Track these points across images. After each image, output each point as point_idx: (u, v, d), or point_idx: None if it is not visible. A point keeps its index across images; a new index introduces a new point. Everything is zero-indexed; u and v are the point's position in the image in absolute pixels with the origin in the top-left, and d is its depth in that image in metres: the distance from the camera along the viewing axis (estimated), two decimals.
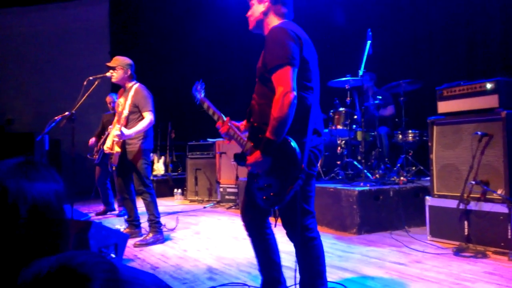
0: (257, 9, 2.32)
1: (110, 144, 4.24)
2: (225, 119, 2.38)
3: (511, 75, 4.24)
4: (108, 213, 6.27)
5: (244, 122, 2.46)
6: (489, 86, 3.66)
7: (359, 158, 5.38)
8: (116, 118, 4.42)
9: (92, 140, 6.19)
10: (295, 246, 2.30)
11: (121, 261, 3.54)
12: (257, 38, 8.19)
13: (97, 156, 6.14)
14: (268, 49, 2.10)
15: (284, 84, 1.98)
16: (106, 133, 5.93)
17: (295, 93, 1.99)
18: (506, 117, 3.49)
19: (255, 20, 2.34)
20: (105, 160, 6.17)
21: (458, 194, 3.67)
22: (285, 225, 2.30)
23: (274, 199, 2.09)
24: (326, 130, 5.60)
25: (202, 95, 2.58)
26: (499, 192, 3.48)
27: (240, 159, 2.24)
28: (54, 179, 1.01)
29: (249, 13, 2.38)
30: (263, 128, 2.09)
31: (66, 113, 4.38)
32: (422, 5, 6.00)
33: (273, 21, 2.28)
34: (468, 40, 5.42)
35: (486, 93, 3.68)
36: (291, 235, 2.29)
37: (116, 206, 6.33)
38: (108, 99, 6.26)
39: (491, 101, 3.65)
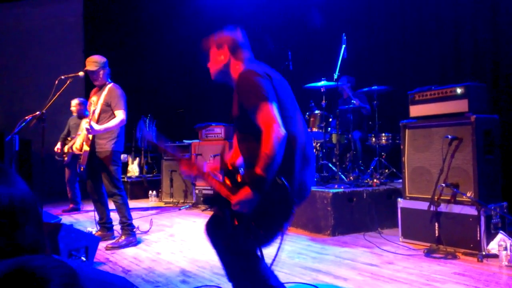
0: (217, 60, 2.27)
1: (80, 144, 4.15)
2: (188, 159, 2.30)
3: (481, 80, 4.37)
4: (75, 212, 6.20)
5: (215, 161, 2.37)
6: (459, 91, 3.75)
7: (334, 160, 5.43)
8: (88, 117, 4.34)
9: (58, 146, 6.08)
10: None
11: (91, 264, 3.46)
12: None
13: (66, 158, 6.04)
14: (243, 94, 2.05)
15: (269, 119, 1.93)
16: (73, 136, 5.84)
17: (281, 126, 1.92)
18: (475, 121, 3.58)
19: (217, 71, 2.28)
20: (75, 161, 6.07)
21: (429, 196, 3.74)
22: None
23: (260, 239, 2.02)
24: None
25: (153, 137, 2.40)
26: (468, 194, 3.57)
27: (213, 201, 2.14)
28: (15, 183, 0.98)
29: (209, 64, 2.32)
30: (248, 165, 2.03)
31: (37, 112, 4.26)
32: (395, 11, 6.11)
33: (238, 67, 2.22)
34: (439, 45, 5.55)
35: (456, 98, 3.77)
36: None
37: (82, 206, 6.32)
38: (74, 106, 6.18)
39: (461, 106, 3.74)
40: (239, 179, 2.05)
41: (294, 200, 1.98)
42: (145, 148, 2.45)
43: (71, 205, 6.36)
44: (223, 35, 2.31)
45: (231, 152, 2.36)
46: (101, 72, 4.25)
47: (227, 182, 2.08)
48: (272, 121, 1.92)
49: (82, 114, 6.22)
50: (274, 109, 1.96)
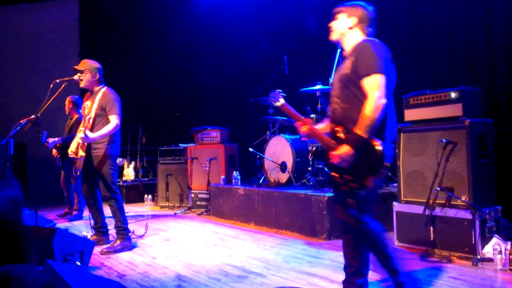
0: (343, 23, 2.54)
1: (75, 148, 4.13)
2: (306, 120, 2.61)
3: (475, 85, 4.39)
4: (68, 216, 6.13)
5: (325, 124, 2.68)
6: (453, 95, 3.77)
7: None
8: (82, 121, 4.32)
9: (55, 150, 6.06)
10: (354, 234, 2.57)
11: (86, 269, 3.45)
12: (230, 43, 8.12)
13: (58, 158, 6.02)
14: (363, 58, 2.36)
15: (378, 89, 2.28)
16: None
17: (385, 98, 2.29)
18: (470, 125, 3.60)
19: (340, 32, 2.56)
20: (67, 162, 6.03)
21: (424, 200, 3.75)
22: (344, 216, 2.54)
23: (353, 191, 2.32)
24: (298, 136, 5.64)
25: (282, 101, 2.70)
26: (463, 198, 3.58)
27: (319, 156, 2.58)
28: (9, 186, 0.97)
29: (333, 23, 2.59)
30: (348, 127, 2.36)
31: (32, 116, 4.24)
32: (389, 15, 6.13)
33: (358, 35, 2.53)
34: (434, 50, 5.58)
35: (450, 102, 3.79)
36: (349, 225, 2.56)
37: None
38: (66, 104, 6.16)
39: (455, 110, 3.76)
40: (342, 136, 2.39)
41: (385, 161, 2.29)
42: (271, 104, 2.94)
43: (67, 209, 6.30)
44: (358, 7, 2.57)
45: (325, 121, 2.72)
46: (89, 75, 4.24)
47: (333, 141, 2.44)
48: (381, 92, 2.28)
49: (72, 113, 6.22)
50: (384, 83, 2.30)
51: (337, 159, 2.29)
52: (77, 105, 6.17)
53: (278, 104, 2.69)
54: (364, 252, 2.57)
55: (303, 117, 2.62)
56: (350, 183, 2.32)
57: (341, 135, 2.41)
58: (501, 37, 4.84)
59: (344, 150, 2.28)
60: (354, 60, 2.40)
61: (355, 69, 2.38)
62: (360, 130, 2.26)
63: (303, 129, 2.54)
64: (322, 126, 2.67)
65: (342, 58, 2.66)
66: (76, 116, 6.13)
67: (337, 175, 2.39)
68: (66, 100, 6.19)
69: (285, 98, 2.72)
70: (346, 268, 2.63)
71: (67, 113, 6.25)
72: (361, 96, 2.34)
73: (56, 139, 5.89)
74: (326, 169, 2.59)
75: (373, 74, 2.30)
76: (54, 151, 6.04)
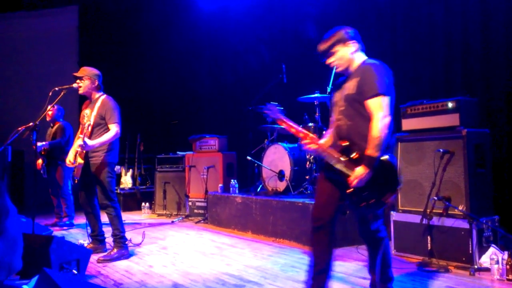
0: (345, 53, 2.64)
1: (72, 157, 4.13)
2: (311, 136, 2.67)
3: (472, 95, 4.41)
4: (58, 223, 6.08)
5: (327, 139, 2.77)
6: (450, 105, 3.80)
7: None
8: (79, 129, 4.32)
9: (40, 161, 5.98)
10: (369, 244, 2.80)
11: (83, 277, 3.43)
12: (229, 51, 8.18)
13: (42, 171, 5.95)
14: (368, 80, 2.51)
15: (382, 110, 2.45)
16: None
17: (390, 117, 2.47)
18: (467, 135, 3.62)
19: (347, 62, 2.67)
20: (52, 170, 6.00)
21: (422, 210, 3.76)
22: (364, 229, 2.77)
23: (373, 206, 2.51)
24: (296, 145, 5.66)
25: (281, 115, 2.77)
26: (460, 208, 3.59)
27: (330, 169, 2.60)
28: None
29: (334, 59, 2.67)
30: (355, 142, 2.53)
31: (30, 124, 4.25)
32: (388, 25, 6.18)
33: (359, 56, 2.68)
34: (431, 59, 5.61)
35: (447, 112, 3.81)
36: (367, 237, 2.80)
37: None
38: (49, 112, 6.10)
39: (452, 120, 3.78)
40: (355, 156, 2.51)
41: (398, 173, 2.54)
42: (269, 120, 2.98)
43: (55, 219, 6.23)
44: (344, 31, 2.68)
45: (327, 134, 2.82)
46: (88, 81, 4.25)
47: (343, 158, 2.54)
48: (386, 112, 2.45)
49: (55, 119, 6.21)
50: (386, 101, 2.48)
51: (357, 181, 2.43)
52: (59, 114, 6.20)
53: (277, 119, 2.77)
54: (332, 250, 2.73)
55: (306, 132, 2.69)
56: (370, 200, 2.48)
57: (354, 154, 2.53)
58: (498, 47, 4.88)
59: (361, 172, 2.43)
60: (359, 81, 2.55)
61: (360, 90, 2.53)
62: (371, 150, 2.43)
63: (312, 146, 2.62)
64: (325, 141, 2.75)
65: (338, 73, 2.75)
66: (58, 124, 6.14)
67: (350, 191, 2.50)
68: (52, 109, 6.12)
69: (282, 107, 2.76)
70: (314, 266, 2.69)
71: (48, 120, 6.19)
72: (365, 113, 2.52)
73: (44, 143, 5.87)
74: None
75: (377, 95, 2.46)
76: (39, 162, 5.95)
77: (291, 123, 2.72)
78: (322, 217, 2.69)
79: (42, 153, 5.98)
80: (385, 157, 2.47)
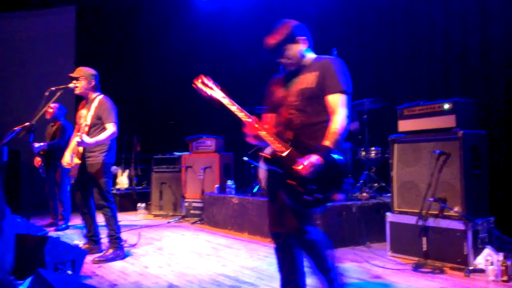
0: (295, 49, 2.54)
1: (69, 158, 4.12)
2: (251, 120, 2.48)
3: (469, 96, 4.43)
4: (54, 225, 6.03)
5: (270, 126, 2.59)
6: (446, 106, 3.80)
7: None
8: (75, 129, 4.30)
9: (37, 159, 5.94)
10: (300, 246, 2.55)
11: (78, 278, 3.42)
12: (226, 52, 8.16)
13: (41, 170, 5.89)
14: (330, 75, 2.44)
15: (345, 107, 2.41)
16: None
17: (349, 118, 2.43)
18: (463, 136, 3.62)
19: (297, 59, 2.56)
20: (51, 171, 5.95)
21: (418, 211, 3.76)
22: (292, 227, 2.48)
23: (318, 201, 2.30)
24: None
25: (218, 91, 2.66)
26: (456, 209, 3.59)
27: (272, 161, 2.42)
28: None
29: (285, 59, 2.56)
30: (307, 138, 2.40)
31: (26, 123, 4.23)
32: (386, 27, 6.19)
33: (309, 52, 2.61)
34: (429, 61, 5.63)
35: (444, 113, 3.82)
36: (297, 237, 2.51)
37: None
38: (50, 109, 6.03)
39: (448, 121, 3.78)
40: (308, 146, 2.37)
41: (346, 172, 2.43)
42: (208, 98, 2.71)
43: (51, 220, 6.18)
44: (291, 25, 2.57)
45: (267, 122, 2.66)
46: (84, 82, 4.24)
47: (291, 148, 2.39)
48: (345, 108, 2.41)
49: (56, 118, 6.16)
50: (348, 99, 2.44)
51: (308, 167, 2.24)
52: (60, 112, 6.15)
53: (214, 94, 2.63)
54: (302, 265, 2.58)
55: (251, 116, 2.49)
56: (316, 193, 2.29)
57: (303, 145, 2.39)
58: (496, 49, 4.89)
59: (315, 158, 2.26)
60: (319, 75, 2.46)
61: (322, 85, 2.45)
62: (328, 142, 2.32)
63: (257, 131, 2.44)
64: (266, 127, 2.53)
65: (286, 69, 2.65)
66: (58, 123, 6.09)
67: (294, 183, 2.32)
68: (53, 107, 6.08)
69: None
70: (284, 285, 2.58)
71: (48, 117, 6.14)
72: (323, 109, 2.44)
73: (42, 144, 5.82)
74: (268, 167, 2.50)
75: (341, 92, 2.41)
76: (37, 160, 5.91)
77: (232, 101, 2.57)
78: (280, 231, 2.54)
79: (41, 153, 5.93)
80: (338, 155, 2.34)
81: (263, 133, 2.42)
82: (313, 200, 2.29)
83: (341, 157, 2.33)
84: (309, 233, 2.46)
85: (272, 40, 2.53)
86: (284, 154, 2.38)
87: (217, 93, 2.64)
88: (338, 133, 2.34)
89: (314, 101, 2.46)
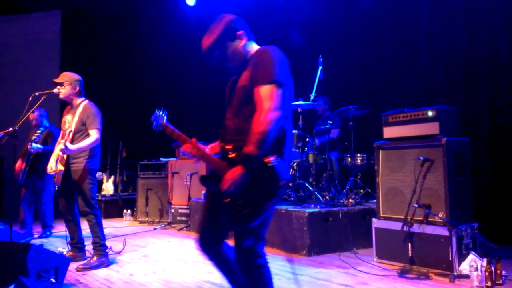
0: (235, 47, 2.23)
1: (54, 164, 4.06)
2: (191, 140, 2.25)
3: (452, 103, 4.50)
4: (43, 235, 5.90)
5: (216, 144, 2.35)
6: (430, 113, 3.85)
7: (310, 180, 5.46)
8: (60, 135, 4.25)
9: (19, 163, 5.76)
10: (243, 272, 2.17)
11: (61, 286, 3.36)
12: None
13: (21, 176, 5.70)
14: (261, 65, 2.08)
15: (272, 100, 1.99)
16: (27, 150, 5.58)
17: (281, 111, 2.00)
18: (447, 143, 3.67)
19: (240, 57, 2.25)
20: (35, 176, 5.82)
21: (403, 217, 3.79)
22: (237, 249, 2.14)
23: (248, 217, 1.98)
24: None
25: (165, 120, 2.42)
26: (440, 215, 3.63)
27: (209, 180, 2.19)
28: None
29: (227, 61, 2.29)
30: (238, 145, 2.03)
31: (9, 129, 4.17)
32: (373, 35, 6.27)
33: (251, 46, 2.28)
34: (414, 69, 5.71)
35: (428, 120, 3.87)
36: (240, 260, 2.15)
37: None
38: (32, 115, 5.90)
39: (432, 128, 3.83)
40: (232, 156, 2.08)
41: (281, 179, 1.97)
42: (157, 128, 2.51)
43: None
44: (228, 20, 2.26)
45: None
46: (69, 87, 4.19)
47: (223, 162, 2.11)
48: (275, 103, 1.98)
49: (40, 124, 6.02)
50: (279, 90, 2.01)
51: (227, 184, 1.95)
52: (43, 118, 6.06)
53: (160, 125, 2.42)
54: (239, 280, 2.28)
55: (188, 138, 2.27)
56: (244, 210, 1.98)
57: (232, 154, 2.09)
58: (480, 57, 4.99)
59: (235, 172, 1.95)
60: (251, 69, 2.13)
61: (252, 78, 2.10)
62: (250, 147, 1.94)
63: (191, 151, 2.19)
64: (212, 146, 2.34)
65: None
66: (47, 130, 5.96)
67: (229, 200, 2.02)
68: (34, 113, 5.92)
69: (167, 112, 2.46)
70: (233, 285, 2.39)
71: (33, 124, 6.02)
72: (255, 107, 2.06)
73: (39, 146, 5.70)
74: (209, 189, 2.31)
75: (270, 83, 2.01)
76: (19, 164, 5.71)
77: (173, 128, 2.34)
78: (206, 250, 2.32)
79: (32, 155, 5.79)
80: (269, 158, 1.96)
81: (196, 152, 2.19)
82: (242, 217, 1.98)
83: (273, 160, 1.96)
84: (255, 255, 2.12)
85: (207, 42, 2.22)
86: (220, 170, 2.10)
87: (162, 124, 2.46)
88: (262, 134, 1.93)
89: (249, 101, 2.08)
